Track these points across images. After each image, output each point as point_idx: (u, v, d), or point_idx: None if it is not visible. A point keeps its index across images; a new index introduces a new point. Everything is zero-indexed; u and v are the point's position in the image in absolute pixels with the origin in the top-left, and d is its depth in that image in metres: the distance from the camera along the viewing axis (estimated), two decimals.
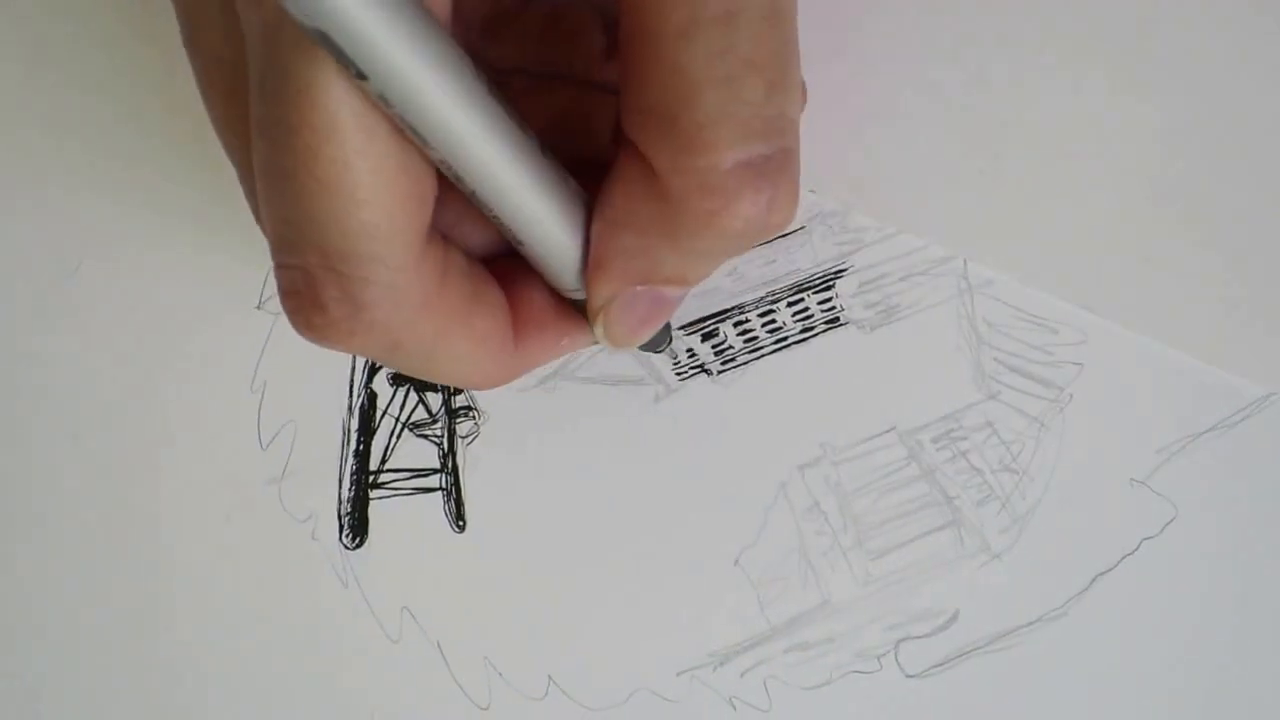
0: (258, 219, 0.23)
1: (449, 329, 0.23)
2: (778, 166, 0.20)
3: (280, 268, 0.21)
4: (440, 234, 0.23)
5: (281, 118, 0.19)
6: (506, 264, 0.25)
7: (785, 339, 0.31)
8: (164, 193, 0.34)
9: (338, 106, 0.18)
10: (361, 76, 0.18)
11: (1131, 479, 0.29)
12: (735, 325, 0.31)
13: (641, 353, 0.31)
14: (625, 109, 0.21)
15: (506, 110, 0.20)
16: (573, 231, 0.23)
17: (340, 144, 0.19)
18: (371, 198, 0.19)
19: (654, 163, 0.21)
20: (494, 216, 0.22)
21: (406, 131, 0.19)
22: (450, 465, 0.31)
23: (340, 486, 0.32)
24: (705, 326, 0.31)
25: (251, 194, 0.23)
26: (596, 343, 0.26)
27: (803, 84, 0.23)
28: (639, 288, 0.23)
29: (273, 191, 0.20)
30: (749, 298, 0.31)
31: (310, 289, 0.21)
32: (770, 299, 0.31)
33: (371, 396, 0.32)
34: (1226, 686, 0.29)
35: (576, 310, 0.25)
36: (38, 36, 0.35)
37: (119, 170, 0.34)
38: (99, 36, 0.34)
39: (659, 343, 0.29)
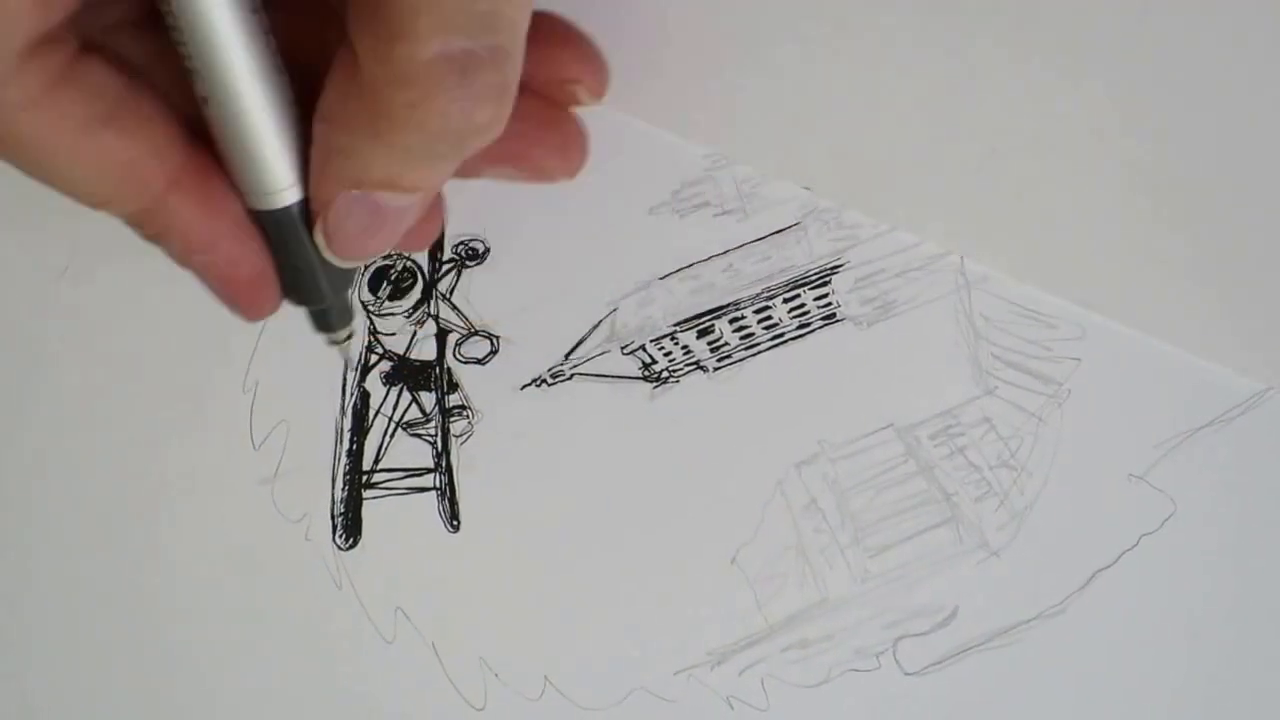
0: None
1: (56, 138, 0.22)
2: (483, 64, 0.20)
3: None
4: (85, 46, 0.22)
5: None
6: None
7: (782, 335, 0.31)
8: None
9: None
10: None
11: (1130, 474, 0.29)
12: (731, 322, 0.31)
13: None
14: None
15: None
16: (266, 110, 0.22)
17: None
18: None
19: (360, 52, 0.20)
20: (185, 52, 0.21)
21: None
22: (444, 465, 0.31)
23: (334, 486, 0.31)
24: (701, 323, 0.31)
25: None
26: (251, 273, 0.25)
27: None
28: (354, 192, 0.23)
29: None
30: (745, 294, 0.31)
31: None
32: (766, 295, 0.31)
33: (365, 396, 0.32)
34: (1226, 682, 0.28)
35: (261, 227, 0.24)
36: None
37: None
38: None
39: (335, 326, 0.27)
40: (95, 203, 0.24)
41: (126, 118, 0.23)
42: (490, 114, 0.21)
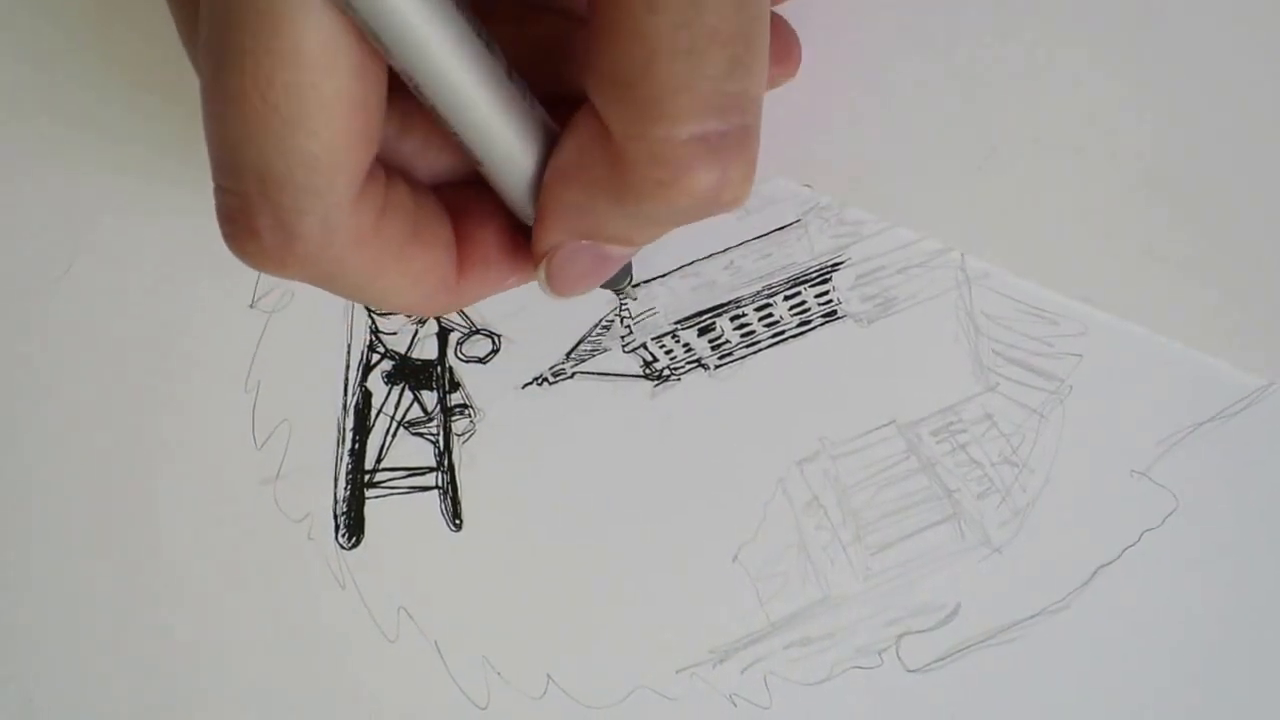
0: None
1: (382, 265, 0.23)
2: (734, 144, 0.20)
3: (219, 190, 0.21)
4: (385, 170, 0.23)
5: (237, 40, 0.19)
6: (465, 193, 0.25)
7: (782, 333, 0.31)
8: (156, 192, 0.34)
9: (303, 33, 0.18)
10: None
11: (1132, 470, 0.29)
12: (732, 320, 0.31)
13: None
14: (587, 68, 0.21)
15: (474, 26, 0.20)
16: (531, 155, 0.23)
17: (299, 71, 0.19)
18: (320, 129, 0.19)
19: (610, 125, 0.21)
20: (454, 132, 0.22)
21: (371, 39, 0.19)
22: (446, 463, 0.31)
23: (336, 486, 0.31)
24: (702, 321, 0.31)
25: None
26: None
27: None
28: (583, 242, 0.23)
29: (218, 113, 0.20)
30: (746, 292, 0.31)
31: (246, 215, 0.21)
32: (767, 293, 0.31)
33: (366, 395, 0.32)
34: (1229, 678, 0.28)
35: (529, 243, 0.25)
36: (30, 36, 0.34)
37: (111, 169, 0.34)
38: (92, 35, 0.34)
39: (618, 282, 0.29)
40: (403, 309, 0.26)
41: (424, 227, 0.24)
42: (738, 193, 0.21)
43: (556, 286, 0.25)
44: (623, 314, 0.31)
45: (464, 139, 0.22)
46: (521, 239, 0.25)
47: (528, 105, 0.22)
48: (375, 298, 0.24)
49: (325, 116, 0.19)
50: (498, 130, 0.22)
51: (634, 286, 0.31)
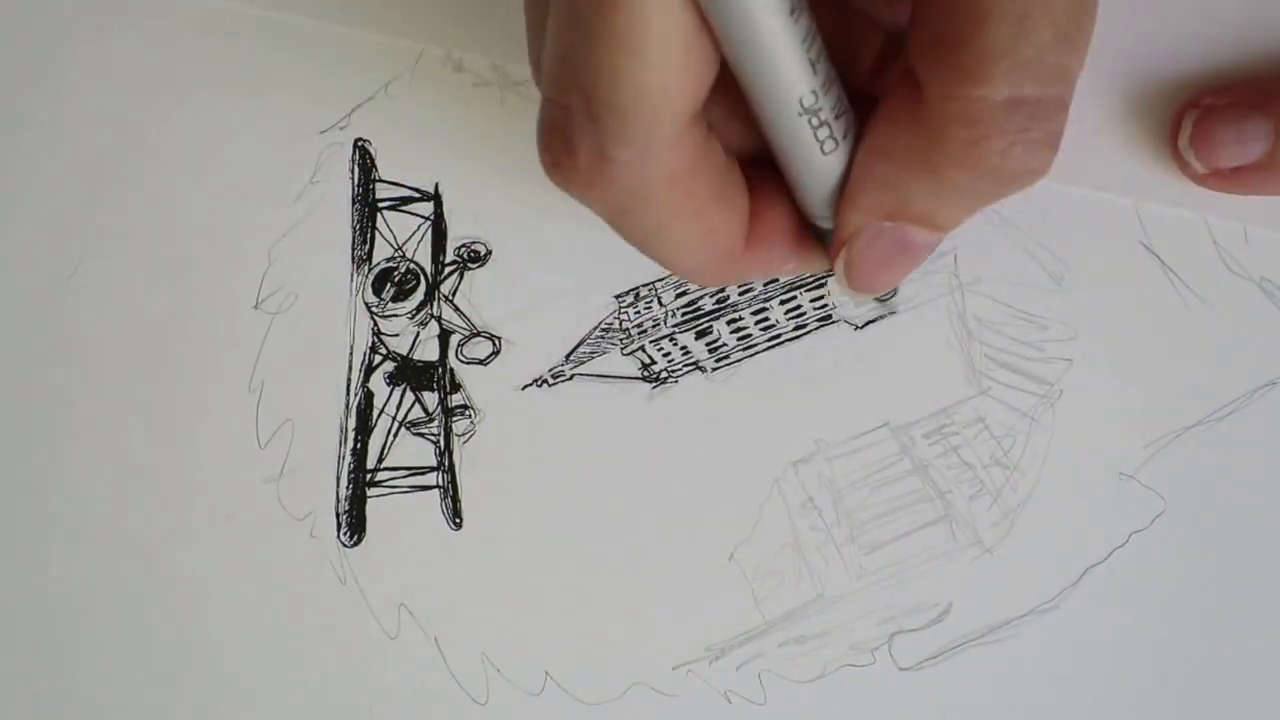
0: (530, 56, 0.23)
1: (684, 212, 0.23)
2: (1046, 114, 0.21)
3: (546, 101, 0.21)
4: (705, 125, 0.23)
5: None
6: (759, 172, 0.25)
7: (778, 336, 0.31)
8: (162, 192, 0.34)
9: None
10: None
11: (1120, 473, 0.29)
12: (729, 323, 0.31)
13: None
14: (912, 35, 0.21)
15: (808, 20, 0.21)
16: (835, 154, 0.23)
17: (646, 4, 0.19)
18: (658, 62, 0.20)
19: (927, 90, 0.21)
20: (763, 121, 0.22)
21: (706, 14, 0.20)
22: (447, 463, 0.31)
23: (338, 485, 0.32)
24: (700, 324, 0.31)
25: (532, 29, 0.23)
26: (820, 271, 0.26)
27: None
28: (886, 223, 0.23)
29: (562, 31, 0.20)
30: (742, 296, 0.31)
31: (567, 129, 0.21)
32: (763, 297, 0.31)
33: (369, 395, 0.32)
34: (1216, 677, 0.29)
35: (815, 238, 0.26)
36: (37, 38, 0.35)
37: (118, 170, 0.34)
38: (97, 37, 0.35)
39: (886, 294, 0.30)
40: (679, 268, 0.25)
41: (730, 187, 0.24)
42: (1043, 160, 0.21)
43: (855, 276, 0.25)
44: (621, 317, 0.31)
45: (772, 130, 0.22)
46: (805, 228, 0.26)
47: (842, 111, 0.23)
48: (661, 246, 0.24)
49: (664, 51, 0.19)
50: (807, 145, 0.23)
51: (892, 297, 0.31)
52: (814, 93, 0.22)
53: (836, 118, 0.23)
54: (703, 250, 0.24)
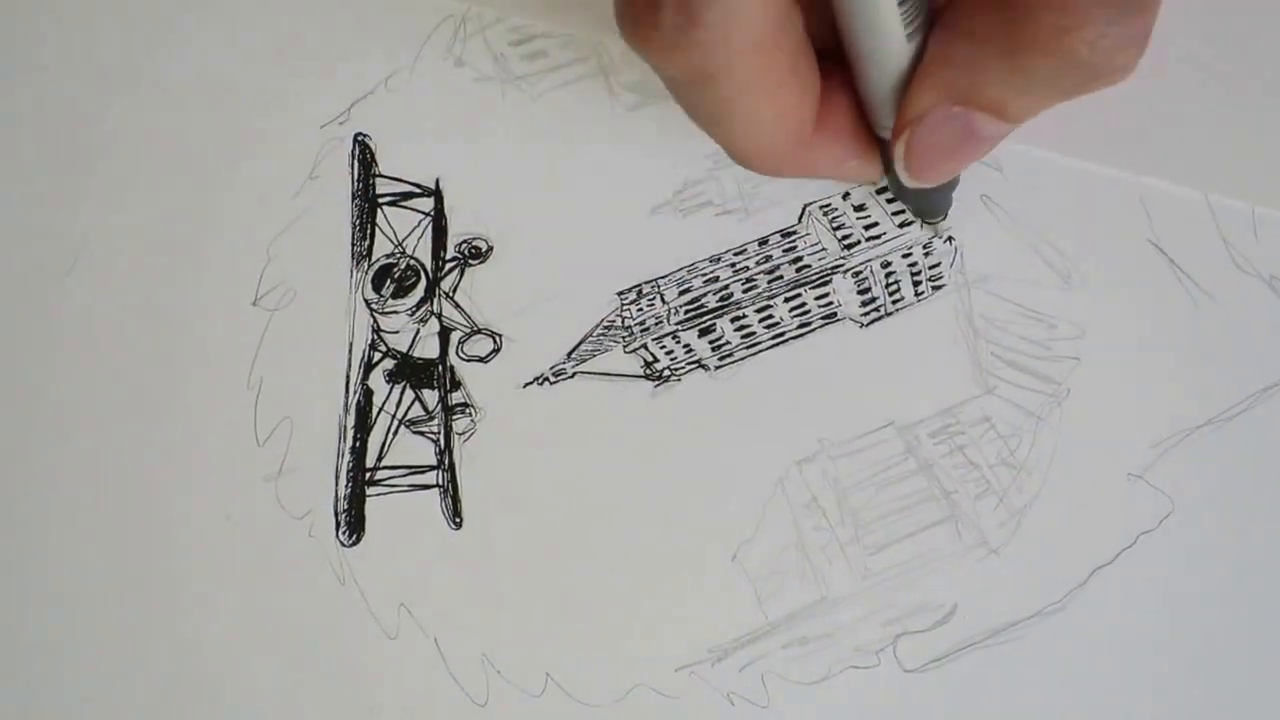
0: None
1: (764, 80, 0.22)
2: (1142, 7, 0.20)
3: None
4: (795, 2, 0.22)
5: None
6: (830, 64, 0.24)
7: (783, 334, 0.31)
8: (160, 188, 0.34)
9: None
10: None
11: (1128, 473, 0.29)
12: (733, 321, 0.31)
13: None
14: None
15: None
16: (906, 45, 0.22)
17: None
18: None
19: None
20: (841, 5, 0.22)
21: None
22: (447, 462, 0.31)
23: (337, 483, 0.32)
24: (703, 322, 0.31)
25: None
26: (875, 181, 0.26)
27: None
28: (954, 108, 0.23)
29: None
30: (746, 294, 0.31)
31: None
32: (767, 294, 0.31)
33: (368, 393, 0.32)
34: (1224, 680, 0.29)
35: (880, 148, 0.25)
36: (34, 38, 0.34)
37: (114, 168, 0.34)
38: (94, 37, 0.34)
39: (938, 209, 0.29)
40: (750, 149, 0.24)
41: (805, 63, 0.23)
42: (1131, 58, 0.20)
43: (915, 159, 0.24)
44: (623, 314, 0.31)
45: (848, 14, 0.22)
46: (868, 131, 0.25)
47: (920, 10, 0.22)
48: (734, 119, 0.23)
49: None
50: (889, 23, 0.22)
51: (942, 221, 0.30)
52: None
53: (916, 19, 0.22)
54: (774, 128, 0.23)
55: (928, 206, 0.30)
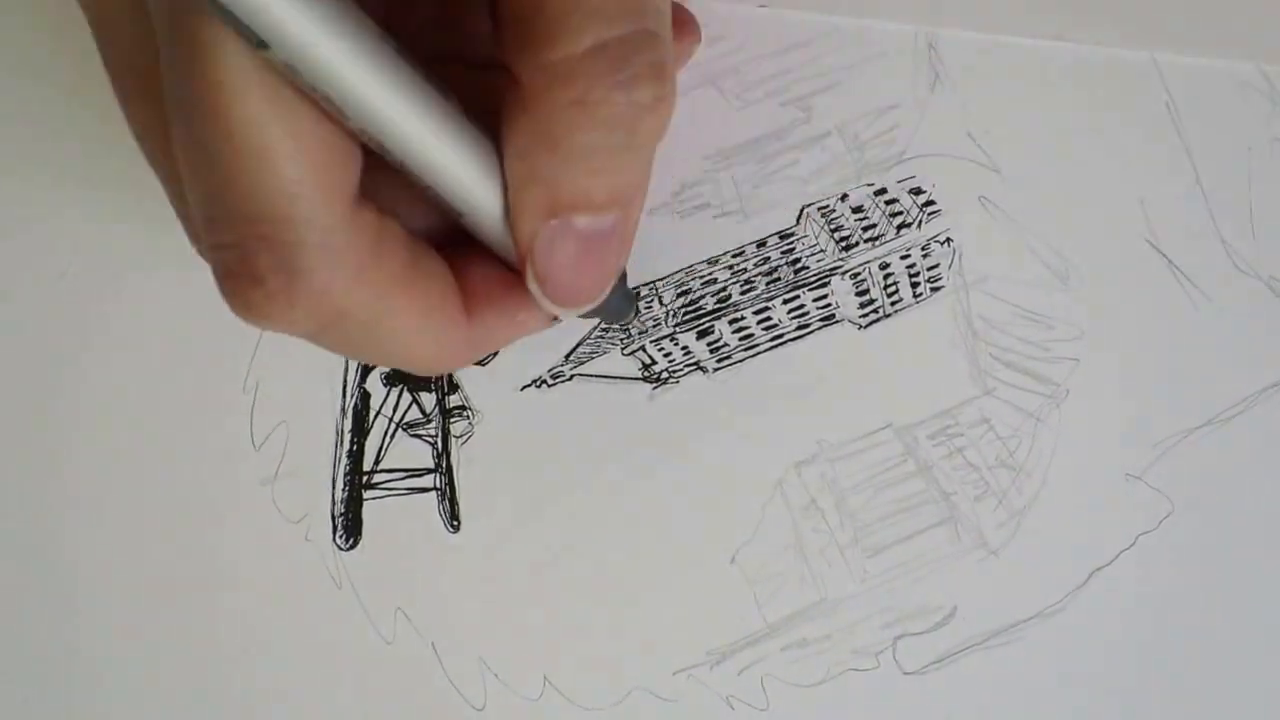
0: (189, 231, 0.23)
1: (391, 296, 0.22)
2: (637, 48, 0.20)
3: (212, 249, 0.21)
4: (374, 206, 0.22)
5: (190, 90, 0.19)
6: (451, 246, 0.24)
7: (781, 336, 0.31)
8: (154, 193, 0.33)
9: (240, 67, 0.18)
10: (263, 45, 0.18)
11: (1127, 474, 0.29)
12: (731, 323, 0.31)
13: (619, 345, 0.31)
14: (496, 36, 0.21)
15: (417, 70, 0.20)
16: (496, 186, 0.22)
17: (249, 104, 0.19)
18: (291, 154, 0.19)
19: (518, 74, 0.20)
20: (420, 181, 0.22)
21: (318, 99, 0.19)
22: (444, 465, 0.31)
23: (334, 487, 0.31)
24: (701, 324, 0.31)
25: (178, 202, 0.23)
26: (556, 318, 0.25)
27: None
28: (553, 221, 0.22)
29: (194, 168, 0.20)
30: (744, 295, 0.31)
31: (245, 263, 0.20)
32: (765, 296, 0.31)
33: (365, 396, 0.32)
34: (1223, 680, 0.29)
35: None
36: (29, 40, 0.34)
37: (109, 171, 0.34)
38: (89, 41, 0.34)
39: (620, 313, 0.29)
40: (418, 360, 0.24)
41: (423, 258, 0.23)
42: (652, 91, 0.21)
43: (550, 290, 0.23)
44: None
45: (433, 186, 0.22)
46: (519, 280, 0.24)
47: (482, 138, 0.22)
48: (386, 339, 0.23)
49: (291, 143, 0.19)
50: (460, 171, 0.22)
51: (636, 315, 0.30)
52: (449, 126, 0.21)
53: (483, 145, 0.22)
54: (427, 331, 0.23)
55: (611, 313, 0.29)
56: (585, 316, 0.26)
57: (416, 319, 0.23)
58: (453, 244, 0.24)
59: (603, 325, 0.31)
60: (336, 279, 0.21)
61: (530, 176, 0.22)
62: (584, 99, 0.20)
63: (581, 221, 0.22)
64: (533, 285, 0.23)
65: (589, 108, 0.20)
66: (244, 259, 0.20)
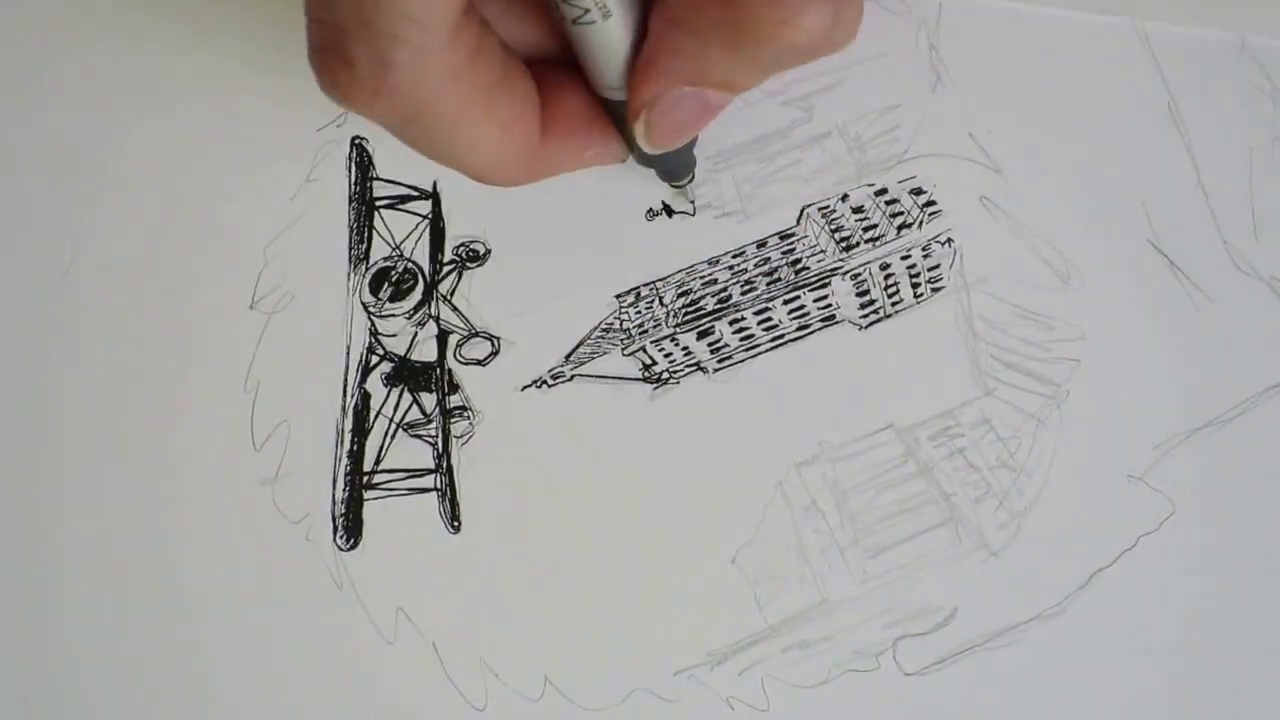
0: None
1: (474, 105, 0.23)
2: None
3: (313, 22, 0.21)
4: (480, 17, 0.23)
5: None
6: (544, 68, 0.25)
7: (781, 337, 0.31)
8: (157, 190, 0.34)
9: None
10: None
11: (1128, 475, 0.29)
12: (731, 324, 0.31)
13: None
14: None
15: None
16: (628, 22, 0.23)
17: None
18: None
19: None
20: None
21: None
22: (445, 465, 0.31)
23: (334, 487, 0.31)
24: (701, 325, 0.31)
25: None
26: (622, 159, 0.26)
27: None
28: (686, 89, 0.24)
29: None
30: (745, 296, 0.31)
31: (340, 44, 0.21)
32: (766, 297, 0.31)
33: (365, 397, 0.32)
34: (1225, 682, 0.29)
35: (612, 115, 0.26)
36: (27, 36, 0.34)
37: (111, 169, 0.34)
38: (88, 39, 0.34)
39: (683, 172, 0.30)
40: (484, 169, 0.25)
41: (513, 76, 0.24)
42: (848, 33, 0.22)
43: (655, 136, 0.25)
44: (621, 317, 0.31)
45: (563, 19, 0.23)
46: (600, 114, 0.26)
47: None
48: (461, 146, 0.24)
49: None
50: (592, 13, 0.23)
51: (690, 183, 0.31)
52: None
53: None
54: (499, 145, 0.24)
55: (674, 168, 0.30)
56: (647, 165, 0.29)
57: (496, 129, 0.24)
58: (545, 66, 0.25)
59: (621, 327, 0.31)
60: (426, 80, 0.21)
61: (690, 52, 0.23)
62: (790, 21, 0.21)
63: (711, 95, 0.24)
64: (638, 127, 0.25)
65: (790, 32, 0.21)
66: (340, 39, 0.21)
